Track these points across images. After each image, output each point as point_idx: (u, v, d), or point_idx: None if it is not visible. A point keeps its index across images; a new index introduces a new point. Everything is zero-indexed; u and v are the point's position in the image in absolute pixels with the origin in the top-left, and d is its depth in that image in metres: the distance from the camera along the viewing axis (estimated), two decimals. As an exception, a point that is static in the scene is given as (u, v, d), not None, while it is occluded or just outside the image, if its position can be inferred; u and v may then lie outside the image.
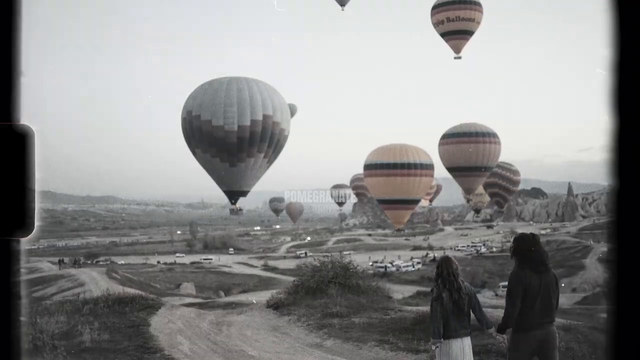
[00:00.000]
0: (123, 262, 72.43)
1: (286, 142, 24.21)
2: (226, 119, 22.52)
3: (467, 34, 34.78)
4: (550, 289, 4.70)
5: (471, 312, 4.98)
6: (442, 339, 4.78)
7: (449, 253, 78.94)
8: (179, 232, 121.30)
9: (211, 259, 76.06)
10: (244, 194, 25.32)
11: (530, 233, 5.07)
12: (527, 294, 4.61)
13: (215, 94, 22.87)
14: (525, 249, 4.77)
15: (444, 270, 4.96)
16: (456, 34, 34.67)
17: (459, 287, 4.86)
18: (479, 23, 34.74)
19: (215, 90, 23.03)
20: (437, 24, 35.08)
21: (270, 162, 24.22)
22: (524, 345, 4.65)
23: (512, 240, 5.18)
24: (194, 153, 24.17)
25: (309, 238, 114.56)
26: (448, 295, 4.84)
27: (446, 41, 35.20)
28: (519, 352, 4.69)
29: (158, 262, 73.77)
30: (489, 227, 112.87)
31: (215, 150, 23.15)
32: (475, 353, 7.51)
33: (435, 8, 35.08)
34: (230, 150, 22.95)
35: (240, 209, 26.48)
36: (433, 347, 4.83)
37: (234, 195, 25.32)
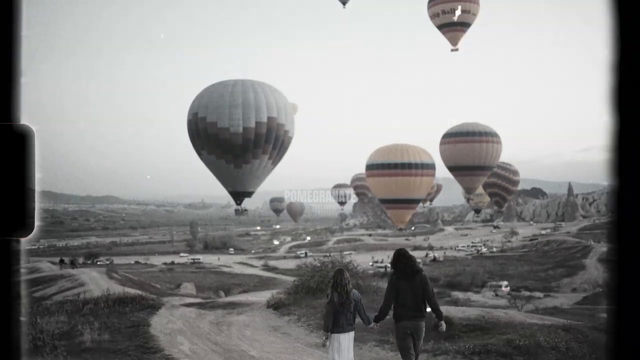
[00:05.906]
0: (113, 261, 71.69)
1: (290, 143, 24.31)
2: (231, 121, 22.63)
3: (463, 26, 34.78)
4: (418, 290, 5.96)
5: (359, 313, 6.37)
6: (330, 333, 6.16)
7: (449, 253, 78.04)
8: (173, 232, 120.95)
9: (199, 259, 75.56)
10: (249, 194, 25.47)
11: (402, 248, 6.51)
12: (399, 294, 5.99)
13: (221, 96, 22.97)
14: (398, 260, 6.15)
15: (337, 279, 6.27)
16: (452, 26, 34.67)
17: (346, 293, 6.17)
18: (475, 15, 34.72)
19: (220, 93, 23.12)
20: (433, 17, 35.18)
21: (274, 164, 24.33)
22: (402, 331, 6.04)
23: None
24: (200, 154, 24.29)
25: (308, 238, 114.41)
26: (338, 298, 6.14)
27: (443, 34, 35.21)
28: (400, 335, 6.06)
29: (172, 261, 73.26)
30: (495, 227, 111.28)
31: (221, 151, 23.26)
32: (475, 353, 7.53)
33: (431, 1, 35.16)
34: (236, 151, 23.07)
35: (245, 210, 26.59)
36: (324, 338, 6.37)
37: (239, 196, 25.46)
